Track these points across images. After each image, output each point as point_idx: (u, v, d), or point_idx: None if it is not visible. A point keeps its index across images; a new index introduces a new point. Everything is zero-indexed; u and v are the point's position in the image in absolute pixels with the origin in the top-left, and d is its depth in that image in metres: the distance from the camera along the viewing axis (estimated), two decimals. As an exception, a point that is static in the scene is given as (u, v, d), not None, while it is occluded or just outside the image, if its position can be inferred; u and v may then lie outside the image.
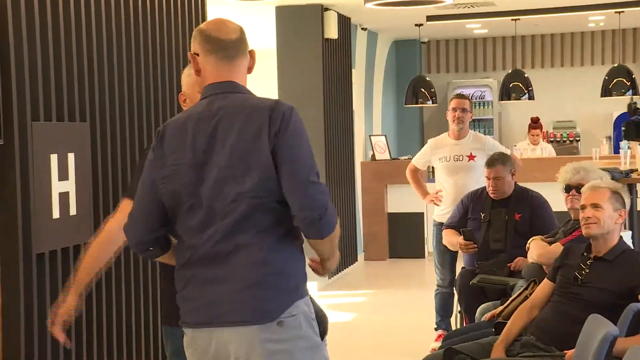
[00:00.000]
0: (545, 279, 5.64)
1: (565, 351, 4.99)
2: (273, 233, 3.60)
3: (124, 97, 6.80)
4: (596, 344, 4.56)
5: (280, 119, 3.57)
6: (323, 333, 3.79)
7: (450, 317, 8.40)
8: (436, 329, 8.35)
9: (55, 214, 5.93)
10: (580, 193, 6.26)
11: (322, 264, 3.78)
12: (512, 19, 14.35)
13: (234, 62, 3.80)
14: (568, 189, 6.64)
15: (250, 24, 12.39)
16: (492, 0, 12.61)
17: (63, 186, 6.02)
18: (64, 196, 6.02)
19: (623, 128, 15.30)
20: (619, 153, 13.93)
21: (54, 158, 5.92)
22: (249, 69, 3.87)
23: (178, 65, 7.61)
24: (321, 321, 3.77)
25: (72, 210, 6.10)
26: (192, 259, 3.69)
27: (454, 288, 7.99)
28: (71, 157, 6.11)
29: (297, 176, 3.54)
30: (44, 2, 5.81)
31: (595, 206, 5.32)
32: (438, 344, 7.61)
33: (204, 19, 8.12)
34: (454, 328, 8.13)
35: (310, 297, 3.77)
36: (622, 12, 14.19)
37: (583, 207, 5.41)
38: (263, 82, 11.48)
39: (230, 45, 3.79)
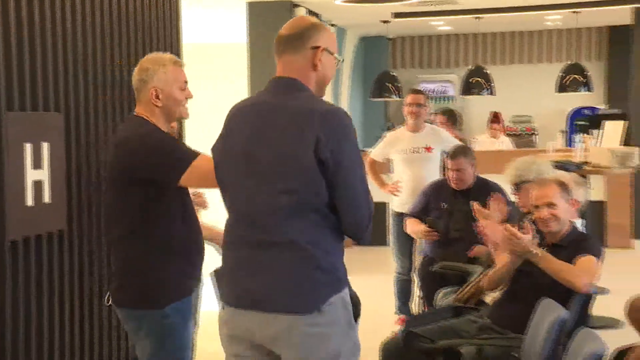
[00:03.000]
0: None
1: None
2: (321, 230, 3.63)
3: (98, 88, 6.75)
4: (546, 327, 4.59)
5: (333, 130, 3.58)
6: (356, 316, 3.82)
7: (410, 302, 8.41)
8: (397, 314, 8.36)
9: (29, 201, 5.89)
10: (522, 186, 6.32)
11: None
12: (475, 17, 14.41)
13: (281, 58, 3.82)
14: (517, 186, 6.70)
15: (222, 19, 12.45)
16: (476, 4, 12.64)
17: (37, 174, 5.98)
18: (37, 184, 5.98)
19: (577, 123, 15.61)
20: (571, 146, 14.13)
21: (28, 147, 5.88)
22: (314, 66, 3.77)
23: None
24: (355, 305, 3.80)
25: (46, 198, 6.07)
26: (241, 242, 3.78)
27: (414, 275, 8.03)
28: (45, 146, 6.07)
29: (350, 197, 3.65)
30: (19, -5, 5.78)
31: (550, 205, 5.35)
32: (398, 327, 7.72)
33: (177, 12, 8.07)
34: (414, 312, 8.19)
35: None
36: (579, 12, 14.24)
37: (537, 207, 5.43)
38: (235, 75, 11.53)
39: (283, 40, 3.82)
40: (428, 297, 7.28)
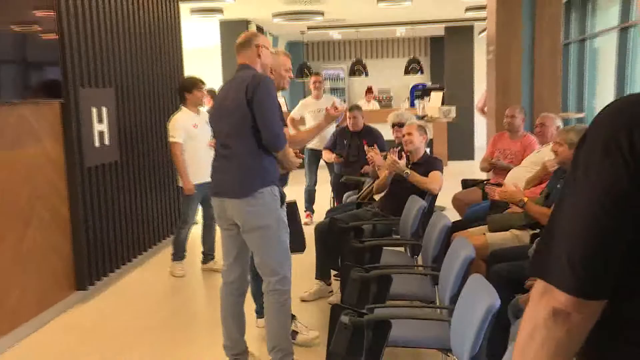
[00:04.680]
0: None
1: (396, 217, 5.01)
2: (254, 145, 3.66)
3: (133, 74, 6.62)
4: (414, 212, 4.61)
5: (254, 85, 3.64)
6: (282, 203, 3.81)
7: (313, 204, 8.49)
8: (305, 211, 8.31)
9: (97, 143, 5.80)
10: (401, 128, 6.32)
11: (280, 163, 3.84)
12: (355, 30, 14.35)
13: (239, 54, 3.90)
14: (393, 125, 6.82)
15: (203, 31, 12.20)
16: (344, 17, 12.51)
17: (100, 127, 5.89)
18: (101, 133, 5.88)
19: (416, 93, 15.92)
20: (413, 106, 14.35)
21: (94, 110, 5.77)
22: (258, 56, 3.88)
23: (168, 53, 7.41)
24: (281, 196, 3.80)
25: (106, 141, 5.97)
26: (217, 155, 3.90)
27: (330, 186, 8.00)
28: (104, 109, 5.96)
29: (262, 122, 3.64)
30: (89, 12, 5.61)
31: (410, 134, 5.38)
32: (309, 219, 8.19)
33: (178, 22, 7.87)
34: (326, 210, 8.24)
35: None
36: (415, 27, 14.37)
37: (404, 136, 5.45)
38: (212, 72, 11.34)
39: (239, 44, 3.92)
40: (338, 197, 7.27)
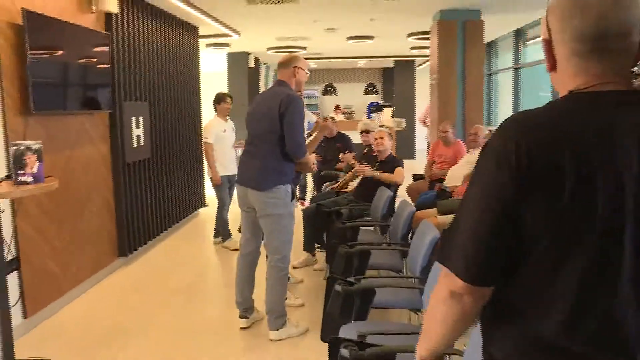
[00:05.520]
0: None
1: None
2: (278, 149, 3.43)
3: (162, 91, 6.32)
4: (383, 200, 4.44)
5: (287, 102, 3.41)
6: (292, 198, 3.57)
7: (306, 194, 8.18)
8: (299, 199, 8.09)
9: (134, 144, 5.52)
10: (368, 134, 6.16)
11: (299, 167, 3.60)
12: (329, 60, 14.12)
13: (279, 71, 3.65)
14: (362, 132, 6.57)
15: (215, 59, 11.89)
16: (321, 51, 12.30)
17: (137, 132, 5.61)
18: (138, 136, 5.60)
19: (372, 109, 15.76)
20: (370, 118, 14.19)
21: (133, 119, 5.49)
22: (294, 75, 3.61)
23: (189, 76, 7.15)
24: (293, 193, 3.56)
25: (142, 142, 5.68)
26: (246, 152, 3.63)
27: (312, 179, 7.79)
28: (141, 118, 5.68)
29: (288, 133, 3.41)
30: (132, 47, 5.33)
31: (382, 138, 5.18)
32: (302, 207, 7.60)
33: (197, 53, 7.60)
34: (309, 197, 8.02)
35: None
36: (372, 60, 14.14)
37: (376, 139, 5.24)
38: (221, 89, 11.13)
39: (280, 63, 3.66)
40: (318, 187, 7.07)
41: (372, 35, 9.55)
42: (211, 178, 5.83)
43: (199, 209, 7.66)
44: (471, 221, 1.09)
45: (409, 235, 3.76)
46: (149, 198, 5.93)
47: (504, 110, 11.48)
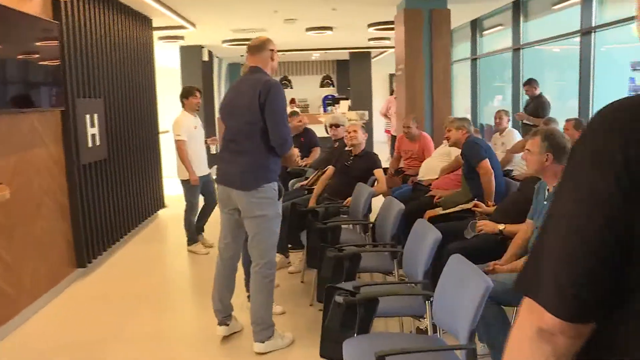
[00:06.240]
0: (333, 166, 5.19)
1: (347, 200, 4.57)
2: (262, 145, 3.10)
3: (117, 88, 5.89)
4: (364, 197, 4.20)
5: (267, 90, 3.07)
6: (279, 197, 3.26)
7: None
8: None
9: (90, 144, 5.10)
10: (337, 128, 5.89)
11: (285, 160, 3.29)
12: (282, 53, 13.77)
13: (252, 56, 3.27)
14: (331, 126, 6.22)
15: (167, 53, 11.37)
16: (276, 44, 11.94)
17: (92, 130, 5.19)
18: (93, 135, 5.18)
19: (327, 102, 15.54)
20: (326, 111, 13.98)
21: (87, 116, 5.07)
22: (271, 59, 3.27)
23: (144, 71, 6.72)
24: (279, 191, 3.25)
25: (97, 142, 5.27)
26: (225, 149, 3.27)
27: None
28: (95, 116, 5.26)
29: (272, 125, 3.09)
30: (83, 40, 4.90)
31: (355, 132, 4.89)
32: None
33: (152, 47, 7.16)
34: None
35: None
36: (326, 52, 13.94)
37: (349, 133, 4.95)
38: (174, 85, 10.65)
39: (251, 47, 3.28)
40: (285, 185, 6.75)
41: (332, 27, 9.31)
42: (184, 180, 5.39)
43: (158, 210, 7.25)
44: (564, 242, 0.84)
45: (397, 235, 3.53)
46: (108, 202, 5.52)
47: (460, 101, 11.50)
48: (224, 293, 3.45)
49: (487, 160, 4.02)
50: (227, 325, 3.47)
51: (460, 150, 4.46)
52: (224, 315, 3.48)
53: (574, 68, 6.83)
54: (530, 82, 7.12)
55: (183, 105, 5.46)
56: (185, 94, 5.45)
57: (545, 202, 2.83)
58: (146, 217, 6.77)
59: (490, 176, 3.99)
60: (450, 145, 4.64)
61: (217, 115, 11.01)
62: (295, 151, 3.38)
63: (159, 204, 7.31)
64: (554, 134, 2.87)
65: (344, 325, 2.41)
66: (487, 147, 4.21)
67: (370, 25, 8.94)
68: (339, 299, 2.41)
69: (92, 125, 5.16)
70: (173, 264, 5.46)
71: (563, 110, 7.12)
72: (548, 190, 2.86)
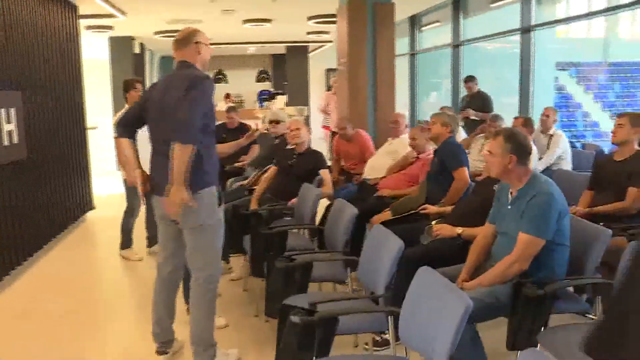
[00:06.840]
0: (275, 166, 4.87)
1: (291, 200, 4.28)
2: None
3: (37, 80, 5.37)
4: (312, 199, 3.93)
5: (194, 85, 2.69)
6: (219, 204, 2.88)
7: None
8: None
9: (6, 142, 4.60)
10: (277, 124, 5.58)
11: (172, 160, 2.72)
12: (217, 47, 13.30)
13: (178, 51, 2.91)
14: (271, 122, 5.85)
15: (95, 44, 10.70)
16: (211, 37, 11.50)
17: (9, 127, 4.68)
18: (10, 132, 4.68)
19: (263, 97, 15.19)
20: (262, 107, 13.65)
21: (3, 111, 4.57)
22: (198, 53, 2.89)
23: (70, 62, 6.18)
24: (219, 197, 2.85)
25: (15, 140, 4.77)
26: (155, 152, 2.90)
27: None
28: (12, 110, 4.75)
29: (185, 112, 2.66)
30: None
31: (298, 129, 4.60)
32: None
33: (78, 36, 6.62)
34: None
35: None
36: (263, 46, 13.67)
37: (292, 130, 4.65)
38: (103, 78, 10.03)
39: (178, 41, 2.92)
40: (222, 183, 6.31)
41: (270, 19, 8.98)
42: (125, 180, 4.94)
43: (86, 212, 6.72)
44: None
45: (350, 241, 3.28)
46: (27, 206, 5.00)
47: (399, 96, 11.46)
48: (162, 315, 3.07)
49: (465, 168, 3.82)
50: (167, 353, 3.10)
51: (427, 147, 4.35)
52: (163, 341, 3.10)
53: (510, 65, 6.84)
54: (472, 79, 7.12)
55: (126, 100, 4.95)
56: (127, 87, 4.90)
57: (509, 207, 2.65)
58: (73, 220, 6.25)
59: (464, 185, 3.77)
60: (430, 139, 4.33)
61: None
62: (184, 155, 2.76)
63: (87, 205, 6.78)
64: (516, 134, 2.70)
65: (301, 348, 2.15)
66: (465, 154, 4.01)
67: (310, 18, 8.68)
68: (295, 319, 2.14)
69: (8, 121, 4.65)
70: (104, 272, 5.01)
71: (498, 106, 7.12)
72: (511, 193, 2.69)
